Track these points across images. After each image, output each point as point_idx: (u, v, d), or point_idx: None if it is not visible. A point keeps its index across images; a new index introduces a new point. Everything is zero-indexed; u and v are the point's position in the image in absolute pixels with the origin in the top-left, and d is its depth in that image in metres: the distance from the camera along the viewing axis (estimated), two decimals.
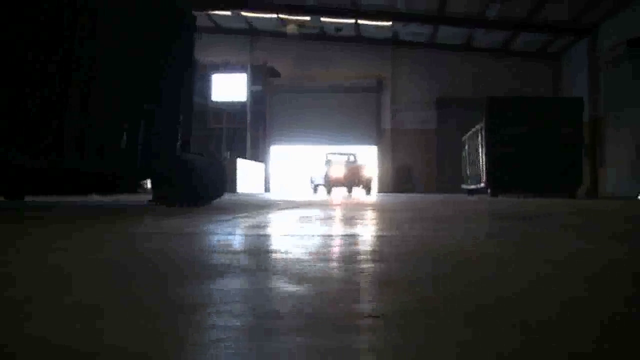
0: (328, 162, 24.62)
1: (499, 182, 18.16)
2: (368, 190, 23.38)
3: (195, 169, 7.62)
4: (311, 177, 26.16)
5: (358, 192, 23.42)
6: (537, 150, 17.59)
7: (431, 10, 23.13)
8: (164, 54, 7.69)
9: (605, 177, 23.04)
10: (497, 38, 25.78)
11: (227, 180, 8.68)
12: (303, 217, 5.40)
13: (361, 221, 4.79)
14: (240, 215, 5.57)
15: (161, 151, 7.61)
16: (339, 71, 27.96)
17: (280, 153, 29.51)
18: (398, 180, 28.04)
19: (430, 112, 27.37)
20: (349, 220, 4.83)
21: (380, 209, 7.30)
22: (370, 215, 5.68)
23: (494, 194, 18.39)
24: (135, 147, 7.14)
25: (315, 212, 6.26)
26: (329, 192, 23.37)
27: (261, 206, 8.07)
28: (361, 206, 8.45)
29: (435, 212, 6.79)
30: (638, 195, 19.71)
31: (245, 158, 26.96)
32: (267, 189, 28.26)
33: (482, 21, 23.28)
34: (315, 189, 25.76)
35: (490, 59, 27.19)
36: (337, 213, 6.12)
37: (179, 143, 8.40)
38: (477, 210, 7.43)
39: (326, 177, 23.39)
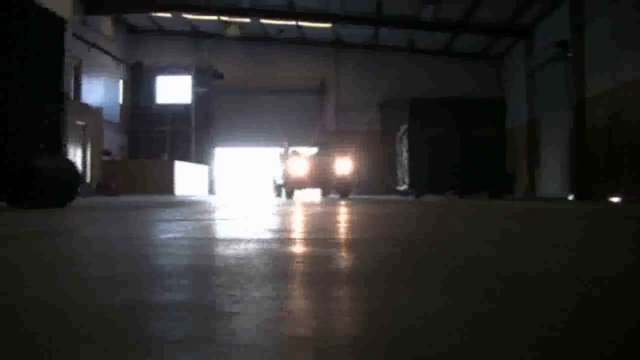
0: (285, 156, 20.25)
1: (422, 183, 18.23)
2: (344, 193, 19.16)
3: (39, 174, 7.55)
4: (274, 177, 22.56)
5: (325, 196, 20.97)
6: (460, 151, 17.68)
7: (368, 12, 23.20)
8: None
9: (541, 178, 23.22)
10: (439, 40, 25.90)
11: (78, 184, 8.53)
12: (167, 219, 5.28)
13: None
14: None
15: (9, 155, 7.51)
16: (283, 73, 27.96)
17: (234, 155, 29.38)
18: None
19: (374, 113, 27.42)
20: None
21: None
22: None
23: (417, 196, 18.46)
24: None
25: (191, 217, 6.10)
26: (288, 195, 18.87)
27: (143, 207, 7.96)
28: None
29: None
30: (568, 196, 19.89)
31: (190, 160, 26.88)
32: (211, 192, 28.16)
33: (420, 23, 23.38)
34: (277, 190, 21.62)
35: (433, 60, 27.31)
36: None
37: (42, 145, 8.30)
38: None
39: (284, 175, 18.99)
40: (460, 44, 26.16)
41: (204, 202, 11.01)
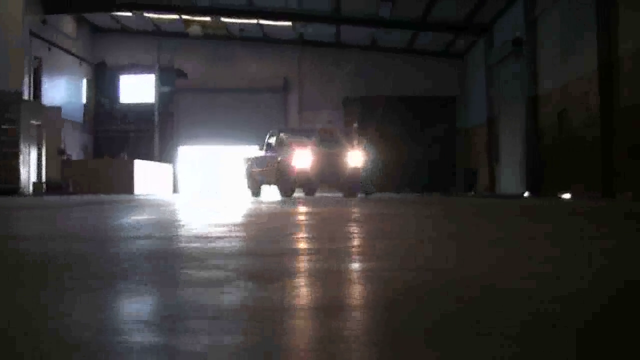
0: (279, 143, 16.89)
1: (370, 181, 18.28)
2: (351, 190, 16.53)
3: None
4: (248, 171, 18.71)
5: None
6: (410, 148, 17.79)
7: (328, 11, 23.22)
8: None
9: (501, 175, 23.31)
10: (401, 37, 25.95)
11: None
12: None
13: None
14: None
15: None
16: (247, 71, 27.93)
17: (201, 153, 29.28)
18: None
19: (337, 111, 27.42)
20: None
21: None
22: None
23: (366, 194, 18.49)
24: None
25: None
26: (286, 193, 15.96)
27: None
28: None
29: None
30: (524, 193, 19.99)
31: (153, 159, 26.81)
32: (175, 190, 28.11)
33: (379, 21, 23.43)
34: (255, 189, 18.12)
35: (396, 58, 27.33)
36: None
37: None
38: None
39: (278, 170, 15.85)
40: (422, 42, 26.21)
41: (144, 200, 10.95)
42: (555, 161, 18.13)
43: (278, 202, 11.79)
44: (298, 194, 17.86)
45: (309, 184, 16.19)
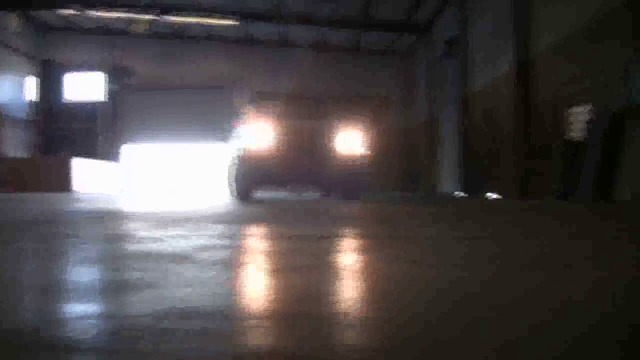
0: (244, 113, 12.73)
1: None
2: (353, 190, 11.64)
3: None
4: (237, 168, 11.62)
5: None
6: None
7: (270, 9, 23.14)
8: None
9: (441, 175, 23.33)
10: (346, 37, 25.94)
11: None
12: None
13: None
14: None
15: None
16: (195, 70, 27.80)
17: (154, 152, 29.09)
18: None
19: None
20: None
21: None
22: None
23: (296, 193, 18.46)
24: None
25: None
26: (239, 193, 11.18)
27: None
28: None
29: None
30: (454, 193, 20.05)
31: (98, 157, 26.63)
32: (122, 189, 27.93)
33: (320, 20, 23.38)
34: (241, 190, 11.32)
35: (344, 57, 27.32)
36: None
37: None
38: None
39: (235, 158, 11.34)
40: (367, 41, 26.21)
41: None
42: (483, 161, 18.18)
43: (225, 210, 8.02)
44: (270, 194, 14.62)
45: (271, 179, 11.02)
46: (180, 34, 27.41)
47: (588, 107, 12.18)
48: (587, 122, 11.63)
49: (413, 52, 26.74)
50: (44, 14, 26.70)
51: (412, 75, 26.96)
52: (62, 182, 22.06)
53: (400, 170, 26.73)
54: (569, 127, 13.21)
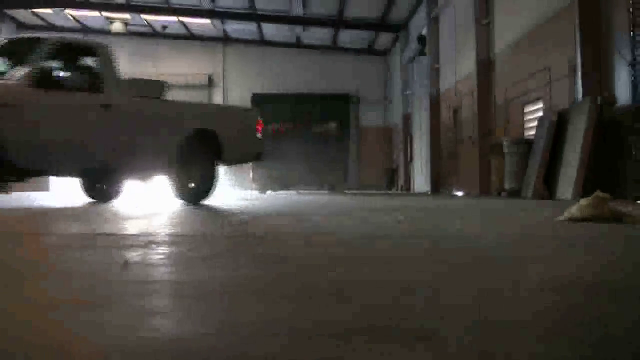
0: None
1: (265, 178, 18.36)
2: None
3: None
4: None
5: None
6: (304, 145, 17.83)
7: (244, 7, 23.17)
8: None
9: (414, 173, 23.42)
10: (323, 36, 25.99)
11: None
12: None
13: None
14: None
15: None
16: (172, 69, 27.78)
17: None
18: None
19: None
20: None
21: None
22: None
23: (262, 191, 18.55)
24: None
25: None
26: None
27: None
28: None
29: None
30: (428, 191, 20.12)
31: None
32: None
33: (293, 18, 23.44)
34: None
35: (321, 56, 27.36)
36: None
37: None
38: None
39: None
40: (345, 39, 26.24)
41: None
42: (451, 160, 18.27)
43: None
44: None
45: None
46: (157, 33, 27.43)
47: (540, 105, 12.31)
48: (538, 121, 11.74)
49: (390, 51, 26.82)
50: (20, 13, 26.68)
51: (390, 73, 27.04)
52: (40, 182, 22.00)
53: (377, 169, 26.82)
54: (523, 126, 13.34)
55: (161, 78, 26.66)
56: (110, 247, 2.76)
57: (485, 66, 15.06)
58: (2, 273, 2.11)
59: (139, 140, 8.04)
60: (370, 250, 2.80)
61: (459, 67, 17.19)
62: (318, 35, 25.94)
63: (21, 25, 28.03)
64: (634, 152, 8.76)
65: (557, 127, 10.55)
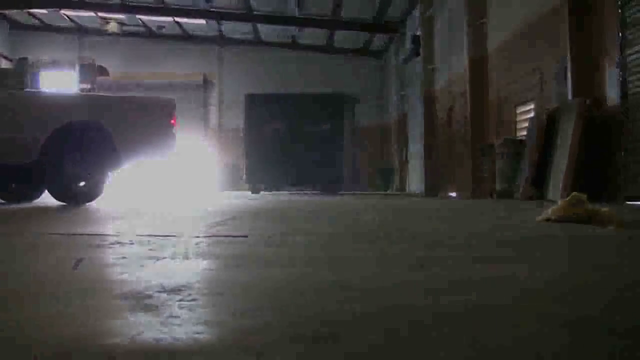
0: None
1: (258, 179, 18.22)
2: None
3: None
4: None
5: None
6: (296, 146, 17.72)
7: (239, 8, 23.12)
8: None
9: (409, 173, 23.34)
10: (319, 36, 25.94)
11: None
12: None
13: None
14: None
15: None
16: (168, 69, 27.69)
17: None
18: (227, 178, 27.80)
19: None
20: None
21: None
22: None
23: (255, 191, 18.42)
24: None
25: None
26: None
27: None
28: None
29: None
30: (420, 192, 20.01)
31: None
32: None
33: (289, 19, 23.39)
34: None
35: (317, 56, 27.28)
36: None
37: None
38: None
39: None
40: (340, 40, 26.19)
41: None
42: (445, 160, 18.19)
43: None
44: None
45: None
46: (153, 33, 27.38)
47: (532, 106, 12.24)
48: (529, 121, 11.67)
49: (387, 51, 26.75)
50: (16, 13, 26.64)
51: (386, 73, 26.99)
52: None
53: (372, 170, 26.73)
54: (516, 126, 13.27)
55: (156, 78, 26.97)
56: None
57: (478, 66, 14.97)
58: None
59: None
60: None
61: (452, 68, 17.11)
62: (314, 35, 25.89)
63: (16, 25, 28.02)
64: (622, 153, 8.70)
65: (547, 127, 10.47)
